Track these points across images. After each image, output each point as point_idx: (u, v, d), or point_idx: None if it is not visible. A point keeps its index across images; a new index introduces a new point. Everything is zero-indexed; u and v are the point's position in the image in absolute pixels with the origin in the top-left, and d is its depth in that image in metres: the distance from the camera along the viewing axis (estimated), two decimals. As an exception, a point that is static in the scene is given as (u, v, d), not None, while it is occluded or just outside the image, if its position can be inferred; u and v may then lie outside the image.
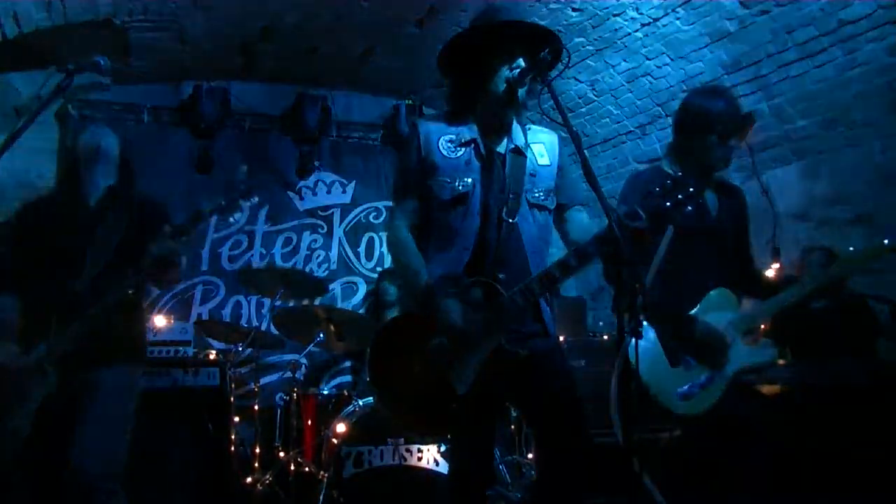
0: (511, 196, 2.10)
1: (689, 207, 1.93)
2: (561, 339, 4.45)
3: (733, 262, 2.52)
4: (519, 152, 2.17)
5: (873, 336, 3.50)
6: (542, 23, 4.46)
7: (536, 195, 2.16)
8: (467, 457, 2.13)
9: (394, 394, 2.06)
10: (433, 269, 2.09)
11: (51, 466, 2.31)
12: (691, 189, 1.91)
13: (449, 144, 2.15)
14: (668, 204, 1.90)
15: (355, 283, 5.70)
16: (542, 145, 2.22)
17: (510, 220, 2.08)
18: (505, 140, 2.18)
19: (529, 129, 2.23)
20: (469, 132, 2.16)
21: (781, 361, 3.24)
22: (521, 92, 2.08)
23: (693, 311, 2.37)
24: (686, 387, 2.30)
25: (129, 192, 2.72)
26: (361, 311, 5.40)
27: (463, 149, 2.15)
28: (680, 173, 2.43)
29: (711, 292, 2.40)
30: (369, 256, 5.77)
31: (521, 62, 2.05)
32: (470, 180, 2.11)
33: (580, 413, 2.08)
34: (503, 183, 2.12)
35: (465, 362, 1.98)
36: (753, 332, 2.41)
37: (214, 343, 4.63)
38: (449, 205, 2.11)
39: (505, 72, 2.06)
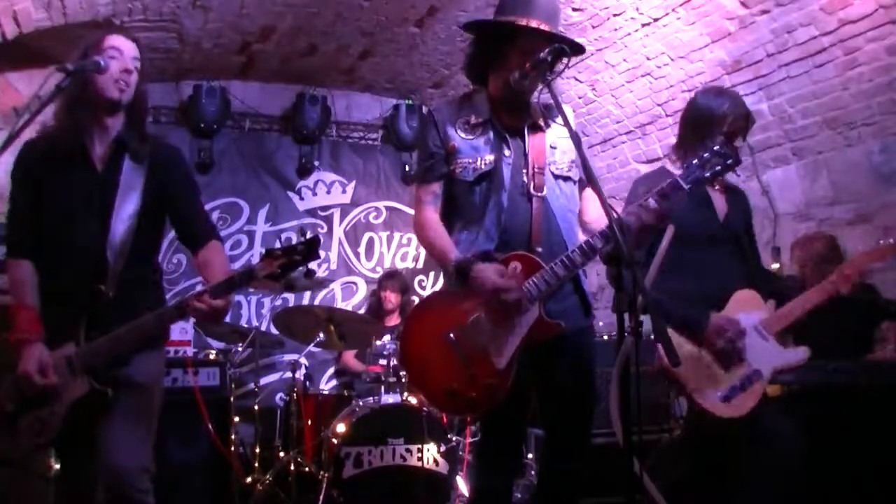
0: (536, 170, 2.10)
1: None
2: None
3: (738, 264, 2.53)
4: (537, 127, 2.17)
5: (873, 330, 3.49)
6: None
7: (560, 167, 2.16)
8: (496, 443, 2.11)
9: (427, 376, 2.01)
10: (462, 249, 2.07)
11: (80, 466, 2.23)
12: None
13: (466, 126, 2.15)
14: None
15: (355, 284, 5.71)
16: (559, 119, 2.14)
17: (539, 195, 2.08)
18: (522, 116, 2.17)
19: (547, 104, 2.21)
20: (484, 112, 2.16)
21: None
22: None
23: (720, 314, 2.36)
24: (725, 390, 2.29)
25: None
26: (361, 311, 5.40)
27: (480, 128, 2.15)
28: None
29: (738, 293, 2.39)
30: (369, 256, 5.78)
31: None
32: (492, 157, 2.10)
33: (585, 417, 2.10)
34: (525, 158, 2.12)
35: (504, 334, 1.95)
36: (784, 333, 2.42)
37: (214, 343, 4.63)
38: (474, 185, 2.10)
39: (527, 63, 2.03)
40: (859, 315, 3.43)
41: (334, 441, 3.60)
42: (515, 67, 2.06)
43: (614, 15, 4.19)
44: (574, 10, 4.24)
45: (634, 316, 1.69)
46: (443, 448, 3.60)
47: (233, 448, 3.78)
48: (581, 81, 4.86)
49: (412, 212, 6.05)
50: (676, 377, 2.27)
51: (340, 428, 3.63)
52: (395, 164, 5.90)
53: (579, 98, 5.01)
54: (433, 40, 4.84)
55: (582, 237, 2.09)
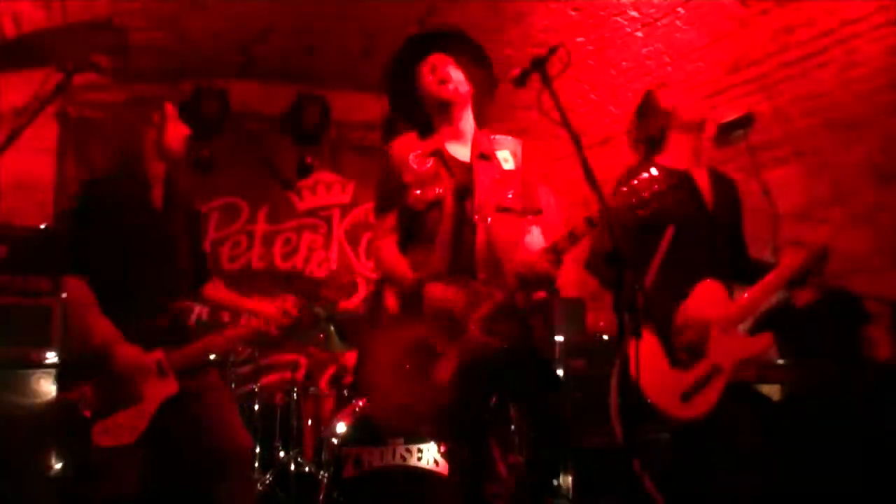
0: (481, 200, 2.27)
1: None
2: (560, 339, 4.48)
3: (725, 253, 2.53)
4: (484, 159, 2.34)
5: (859, 334, 3.49)
6: (542, 23, 4.48)
7: (504, 198, 2.31)
8: (461, 455, 2.30)
9: (384, 396, 2.23)
10: (415, 272, 2.24)
11: (167, 462, 2.49)
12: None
13: (418, 159, 2.33)
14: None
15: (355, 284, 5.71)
16: (507, 152, 2.38)
17: (482, 223, 2.24)
18: (470, 148, 2.35)
19: (495, 137, 2.41)
20: (435, 144, 2.35)
21: (780, 361, 3.24)
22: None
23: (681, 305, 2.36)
24: (683, 389, 2.28)
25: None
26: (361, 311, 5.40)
27: (431, 160, 2.32)
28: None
29: (701, 285, 2.37)
30: (369, 256, 5.78)
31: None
32: (441, 189, 2.28)
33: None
34: (472, 189, 2.28)
35: (447, 352, 2.12)
36: (747, 323, 2.41)
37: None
38: (425, 214, 2.28)
39: (428, 76, 2.33)
40: (838, 319, 3.44)
41: (334, 441, 3.60)
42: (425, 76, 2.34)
43: (614, 15, 4.20)
44: (574, 10, 4.24)
45: (634, 316, 1.69)
46: (443, 448, 3.60)
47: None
48: (581, 81, 4.86)
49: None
50: (637, 380, 2.26)
51: (340, 428, 3.63)
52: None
53: (579, 98, 5.01)
54: (433, 40, 4.84)
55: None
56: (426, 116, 2.40)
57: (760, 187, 4.18)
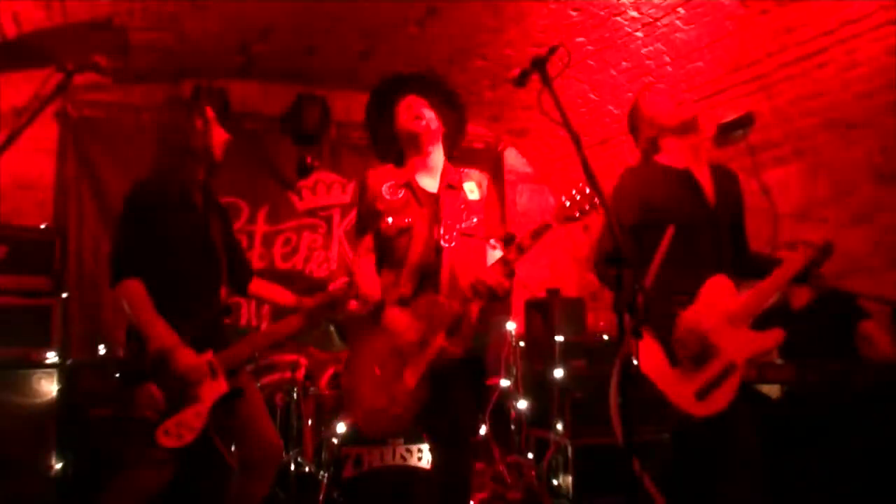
0: (446, 227, 2.52)
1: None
2: (560, 339, 4.48)
3: (730, 249, 2.53)
4: (451, 189, 2.61)
5: (856, 334, 3.49)
6: (542, 23, 4.49)
7: (467, 225, 2.56)
8: (445, 456, 2.51)
9: (359, 403, 2.47)
10: (385, 290, 2.52)
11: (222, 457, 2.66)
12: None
13: (391, 189, 2.60)
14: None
15: (355, 284, 5.70)
16: (473, 183, 2.65)
17: (445, 248, 2.49)
18: (439, 180, 2.62)
19: (462, 170, 2.67)
20: (406, 177, 2.62)
21: (779, 361, 3.24)
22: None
23: (691, 302, 2.36)
24: (699, 387, 2.28)
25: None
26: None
27: (402, 191, 2.59)
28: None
29: (709, 281, 2.38)
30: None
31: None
32: (410, 217, 2.54)
33: (458, 443, 2.49)
34: (438, 217, 2.54)
35: (413, 362, 2.38)
36: (758, 318, 2.41)
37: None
38: (395, 240, 2.54)
39: (404, 113, 2.59)
40: (837, 318, 3.44)
41: (334, 441, 3.60)
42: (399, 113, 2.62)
43: (614, 15, 4.20)
44: (574, 10, 4.24)
45: (634, 316, 1.69)
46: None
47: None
48: (581, 81, 4.86)
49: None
50: (651, 378, 2.27)
51: (340, 428, 3.64)
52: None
53: (579, 98, 5.01)
54: (433, 40, 4.84)
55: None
56: (400, 150, 2.67)
57: (760, 187, 4.19)
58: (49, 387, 3.62)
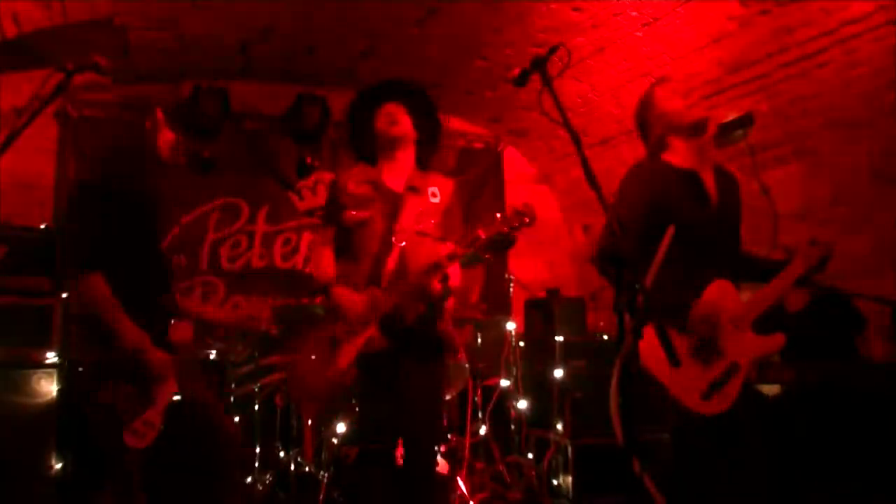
0: (403, 225, 2.68)
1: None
2: (560, 339, 4.48)
3: (732, 251, 2.53)
4: (414, 191, 2.75)
5: (853, 336, 3.49)
6: (542, 23, 4.49)
7: (423, 227, 2.70)
8: (368, 430, 2.74)
9: (299, 382, 2.80)
10: (341, 278, 2.68)
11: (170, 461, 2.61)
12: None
13: (357, 184, 2.76)
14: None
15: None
16: (436, 188, 2.79)
17: (400, 245, 2.66)
18: (404, 180, 2.76)
19: (429, 175, 2.82)
20: (375, 175, 2.79)
21: (780, 361, 3.24)
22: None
23: (694, 307, 2.36)
24: (705, 386, 2.28)
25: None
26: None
27: (368, 187, 2.75)
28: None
29: (711, 286, 2.38)
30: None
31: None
32: (369, 213, 2.70)
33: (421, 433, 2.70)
34: (397, 215, 2.69)
35: (346, 349, 2.57)
36: (760, 321, 2.41)
37: (215, 344, 4.63)
38: (354, 231, 2.71)
39: (382, 118, 2.74)
40: (834, 320, 3.44)
41: (334, 441, 3.60)
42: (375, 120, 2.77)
43: (614, 15, 4.20)
44: (574, 10, 4.24)
45: (634, 316, 1.69)
46: (443, 448, 3.60)
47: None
48: (581, 81, 4.86)
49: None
50: (657, 376, 2.27)
51: (340, 428, 3.64)
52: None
53: (579, 98, 5.01)
54: (433, 40, 4.84)
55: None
56: (374, 151, 2.83)
57: (760, 187, 4.19)
58: (49, 387, 3.62)
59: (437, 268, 2.53)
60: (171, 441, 2.50)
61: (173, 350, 2.60)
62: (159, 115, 2.71)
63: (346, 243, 2.76)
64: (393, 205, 2.73)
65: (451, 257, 2.53)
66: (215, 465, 2.63)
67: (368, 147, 2.86)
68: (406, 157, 2.81)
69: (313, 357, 2.67)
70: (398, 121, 2.74)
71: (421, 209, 2.72)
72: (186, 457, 2.61)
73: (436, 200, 2.77)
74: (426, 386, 2.68)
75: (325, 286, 2.72)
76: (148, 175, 2.74)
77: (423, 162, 2.88)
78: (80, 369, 2.49)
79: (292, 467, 3.81)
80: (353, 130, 2.96)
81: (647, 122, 2.61)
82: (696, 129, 2.54)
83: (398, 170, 2.80)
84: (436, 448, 3.18)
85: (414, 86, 2.97)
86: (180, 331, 2.68)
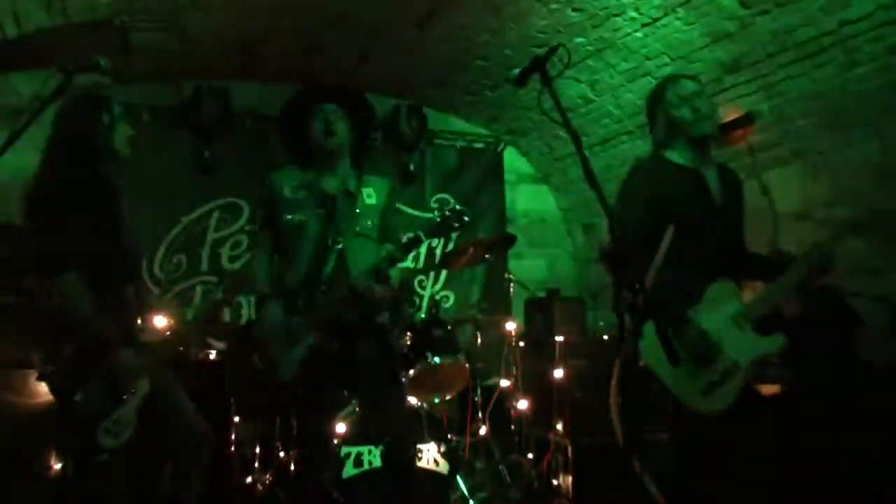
0: (340, 227, 2.71)
1: None
2: (560, 339, 4.48)
3: (734, 250, 2.53)
4: (349, 193, 2.78)
5: (851, 337, 3.49)
6: (543, 23, 4.49)
7: (362, 227, 2.75)
8: (307, 439, 2.85)
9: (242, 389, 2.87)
10: (281, 282, 2.74)
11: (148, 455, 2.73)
12: None
13: (292, 188, 2.78)
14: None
15: (355, 283, 5.69)
16: (372, 188, 2.84)
17: (336, 247, 2.69)
18: (339, 183, 2.79)
19: (364, 177, 2.86)
20: (308, 177, 2.80)
21: (780, 361, 3.24)
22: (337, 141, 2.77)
23: (696, 306, 2.36)
24: (704, 384, 2.29)
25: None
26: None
27: (303, 190, 2.77)
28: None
29: (712, 286, 2.38)
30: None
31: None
32: (304, 216, 2.72)
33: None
34: (333, 217, 2.72)
35: (288, 354, 2.60)
36: (760, 321, 2.41)
37: (214, 343, 4.63)
38: (291, 234, 2.73)
39: (318, 126, 2.74)
40: (831, 320, 3.43)
41: (334, 441, 3.60)
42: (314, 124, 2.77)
43: (614, 15, 4.20)
44: (574, 10, 4.24)
45: (635, 316, 1.69)
46: (443, 448, 3.60)
47: (233, 448, 3.78)
48: (581, 81, 4.86)
49: (412, 212, 6.03)
50: (657, 374, 2.27)
51: (340, 428, 3.63)
52: (394, 165, 5.89)
53: (579, 98, 5.01)
54: (433, 40, 4.84)
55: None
56: (309, 152, 2.83)
57: (760, 187, 4.19)
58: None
59: (377, 272, 2.57)
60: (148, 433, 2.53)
61: (145, 348, 2.59)
62: (116, 109, 2.66)
63: (281, 246, 2.79)
64: (328, 208, 2.74)
65: (393, 260, 2.58)
66: (185, 462, 2.66)
67: (303, 149, 2.85)
68: (342, 162, 2.84)
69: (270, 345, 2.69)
70: (332, 132, 2.74)
71: (356, 212, 2.76)
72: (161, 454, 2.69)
73: (371, 202, 2.81)
74: (381, 385, 2.79)
75: (259, 302, 2.81)
76: (103, 167, 2.69)
77: (358, 164, 2.90)
78: (52, 368, 2.46)
79: (292, 467, 3.81)
80: (287, 134, 2.92)
81: (657, 115, 2.60)
82: (701, 142, 2.54)
83: (333, 173, 2.82)
84: (411, 445, 3.31)
85: (351, 92, 2.95)
86: (150, 333, 2.67)
